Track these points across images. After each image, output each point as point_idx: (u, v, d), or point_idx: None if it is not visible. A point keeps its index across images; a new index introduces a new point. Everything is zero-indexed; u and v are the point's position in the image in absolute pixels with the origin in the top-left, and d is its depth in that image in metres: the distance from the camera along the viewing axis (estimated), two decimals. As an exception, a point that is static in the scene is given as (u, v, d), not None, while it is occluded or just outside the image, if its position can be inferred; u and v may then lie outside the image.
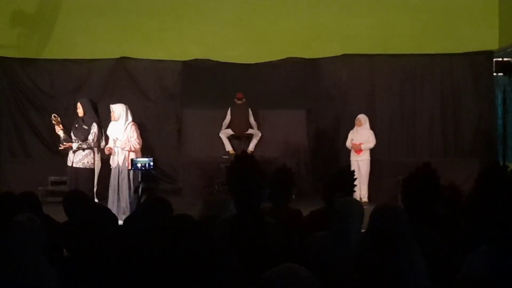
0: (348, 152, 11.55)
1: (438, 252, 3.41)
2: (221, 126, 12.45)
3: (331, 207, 4.57)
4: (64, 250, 4.21)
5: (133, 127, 8.93)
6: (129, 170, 8.73)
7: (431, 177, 3.66)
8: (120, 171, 8.82)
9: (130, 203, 8.65)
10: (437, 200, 3.70)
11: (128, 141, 8.84)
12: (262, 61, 13.20)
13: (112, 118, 8.97)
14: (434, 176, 3.68)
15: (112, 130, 8.98)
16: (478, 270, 2.88)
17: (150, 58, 13.31)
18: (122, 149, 8.82)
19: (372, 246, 2.77)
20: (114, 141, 8.89)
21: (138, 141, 8.91)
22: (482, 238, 3.25)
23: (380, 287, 2.64)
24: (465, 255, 3.10)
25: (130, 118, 8.99)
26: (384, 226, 2.77)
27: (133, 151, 8.84)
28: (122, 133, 8.88)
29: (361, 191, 10.88)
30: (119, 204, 8.74)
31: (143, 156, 8.66)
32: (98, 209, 3.62)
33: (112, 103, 9.20)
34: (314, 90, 13.24)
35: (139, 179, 8.29)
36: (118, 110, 8.96)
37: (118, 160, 8.85)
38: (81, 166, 8.69)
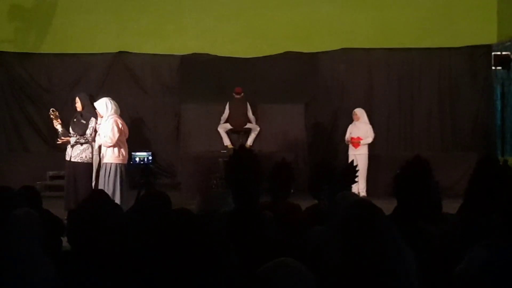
0: (346, 146, 11.56)
1: (433, 246, 3.41)
2: (220, 120, 12.45)
3: (320, 201, 4.59)
4: (63, 244, 4.21)
5: (111, 121, 8.43)
6: (106, 165, 8.52)
7: (422, 170, 3.65)
8: (101, 166, 8.62)
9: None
10: (430, 193, 3.69)
11: (104, 136, 8.41)
12: (260, 55, 13.21)
13: (99, 116, 8.69)
14: (426, 169, 3.67)
15: (101, 125, 8.74)
16: (479, 264, 2.88)
17: (148, 52, 13.31)
18: (100, 144, 8.52)
19: (352, 243, 2.75)
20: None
21: (111, 136, 8.35)
22: (480, 231, 3.25)
23: (366, 282, 2.63)
24: (463, 249, 3.10)
25: (110, 111, 8.48)
26: (358, 221, 2.76)
27: (108, 146, 8.42)
28: (102, 128, 8.51)
29: (359, 185, 10.89)
30: None
31: (141, 151, 8.58)
32: (106, 203, 3.62)
33: (110, 98, 8.97)
34: (313, 84, 13.26)
35: (113, 174, 8.25)
36: (100, 107, 8.54)
37: (102, 154, 8.64)
38: (79, 161, 8.66)
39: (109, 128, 8.41)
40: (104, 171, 8.48)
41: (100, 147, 8.76)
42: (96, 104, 8.63)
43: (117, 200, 8.35)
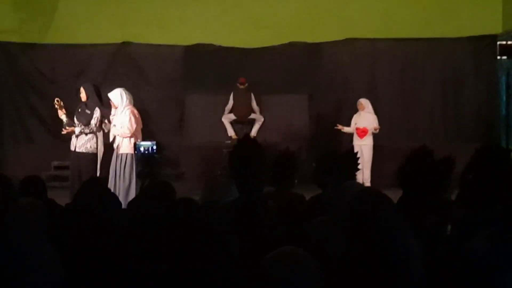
0: (349, 136, 11.55)
1: (437, 236, 3.41)
2: (224, 111, 12.45)
3: (325, 192, 4.59)
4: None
5: (127, 112, 8.60)
6: (122, 155, 8.59)
7: (427, 160, 3.65)
8: (116, 156, 8.71)
9: (124, 189, 8.47)
10: (435, 183, 3.69)
11: (121, 127, 8.58)
12: (264, 45, 13.17)
13: (113, 107, 8.76)
14: (430, 159, 3.67)
15: (116, 116, 8.81)
16: (480, 255, 2.88)
17: (152, 43, 13.28)
18: (117, 135, 8.69)
19: (358, 231, 2.75)
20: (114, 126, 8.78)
21: (129, 127, 8.55)
22: (482, 222, 3.25)
23: (372, 271, 2.64)
24: (467, 239, 3.10)
25: (125, 102, 8.64)
26: (365, 209, 2.75)
27: (125, 137, 8.59)
28: (118, 119, 8.66)
29: (364, 176, 10.92)
30: (116, 189, 8.59)
31: (145, 141, 8.62)
32: (105, 194, 3.63)
33: (114, 88, 9.01)
34: (316, 74, 13.22)
35: (129, 165, 8.31)
36: (114, 97, 8.68)
37: (117, 145, 8.73)
38: (83, 151, 8.70)
39: (126, 119, 8.52)
40: (120, 162, 8.57)
41: (110, 137, 8.81)
42: (110, 94, 8.72)
43: (133, 189, 8.47)
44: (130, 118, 8.53)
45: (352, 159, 4.84)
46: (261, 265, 2.06)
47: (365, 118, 11.40)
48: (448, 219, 4.15)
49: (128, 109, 8.59)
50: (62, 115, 8.92)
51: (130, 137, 8.58)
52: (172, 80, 13.37)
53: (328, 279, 2.58)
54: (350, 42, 13.11)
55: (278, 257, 2.07)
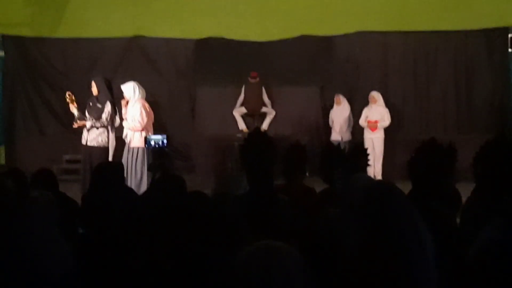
0: (361, 128, 11.52)
1: (447, 227, 3.40)
2: (235, 104, 12.45)
3: (332, 185, 4.58)
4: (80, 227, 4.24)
5: (138, 105, 8.66)
6: (134, 149, 8.63)
7: (437, 152, 3.64)
8: (128, 150, 8.75)
9: (136, 183, 8.52)
10: (445, 174, 3.67)
11: (132, 120, 8.63)
12: (275, 39, 13.14)
13: (124, 100, 8.80)
14: (440, 150, 3.66)
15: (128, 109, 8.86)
16: (492, 245, 2.87)
17: (163, 36, 13.29)
18: (128, 129, 8.74)
19: (372, 225, 2.74)
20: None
21: (140, 120, 8.62)
22: (494, 212, 3.23)
23: (384, 264, 2.63)
24: (476, 230, 3.09)
25: (137, 96, 8.70)
26: (380, 203, 2.74)
27: (136, 131, 8.63)
28: (129, 112, 8.71)
29: (375, 169, 10.89)
30: (127, 182, 8.58)
31: (156, 134, 8.65)
32: (121, 186, 3.64)
33: (125, 82, 9.08)
34: (328, 67, 13.19)
35: (141, 158, 8.34)
36: (127, 90, 8.74)
37: (129, 138, 8.77)
38: (95, 145, 8.72)
39: (137, 113, 8.57)
40: (131, 156, 8.61)
41: (123, 133, 8.83)
42: (123, 86, 8.78)
43: (144, 183, 8.49)
44: (141, 111, 8.58)
45: (361, 152, 4.82)
46: (237, 259, 2.03)
47: (377, 112, 11.36)
48: (457, 208, 4.14)
49: (139, 102, 8.64)
50: (73, 108, 8.95)
51: (141, 130, 8.61)
52: (183, 73, 13.39)
53: (342, 271, 2.57)
54: (361, 35, 13.06)
55: (256, 251, 2.03)
